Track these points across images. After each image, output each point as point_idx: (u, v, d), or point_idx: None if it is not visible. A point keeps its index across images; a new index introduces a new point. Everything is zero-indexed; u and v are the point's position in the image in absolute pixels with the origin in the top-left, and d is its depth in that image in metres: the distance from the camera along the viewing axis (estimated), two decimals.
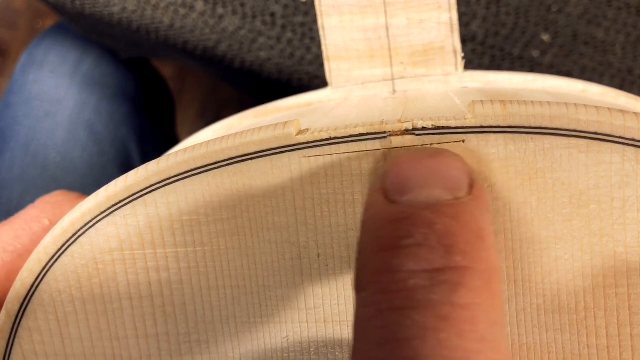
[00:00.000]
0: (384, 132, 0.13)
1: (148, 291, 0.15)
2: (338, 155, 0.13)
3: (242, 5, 0.34)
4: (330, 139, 0.13)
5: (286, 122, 0.13)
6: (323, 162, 0.13)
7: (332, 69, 0.18)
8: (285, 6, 0.34)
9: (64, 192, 0.22)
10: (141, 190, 0.14)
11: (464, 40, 0.34)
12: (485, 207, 0.12)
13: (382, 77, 0.18)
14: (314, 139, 0.13)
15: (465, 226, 0.11)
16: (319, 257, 0.14)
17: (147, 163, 0.14)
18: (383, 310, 0.10)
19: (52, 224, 0.20)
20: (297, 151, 0.13)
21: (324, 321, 0.15)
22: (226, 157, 0.14)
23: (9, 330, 0.15)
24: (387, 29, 0.17)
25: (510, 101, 0.12)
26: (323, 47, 0.18)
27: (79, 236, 0.15)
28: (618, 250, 0.13)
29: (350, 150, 0.13)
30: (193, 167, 0.14)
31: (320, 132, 0.13)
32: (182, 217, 0.14)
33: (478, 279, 0.10)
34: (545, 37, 0.34)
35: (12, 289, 0.15)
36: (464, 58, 0.17)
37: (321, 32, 0.18)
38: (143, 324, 0.15)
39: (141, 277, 0.15)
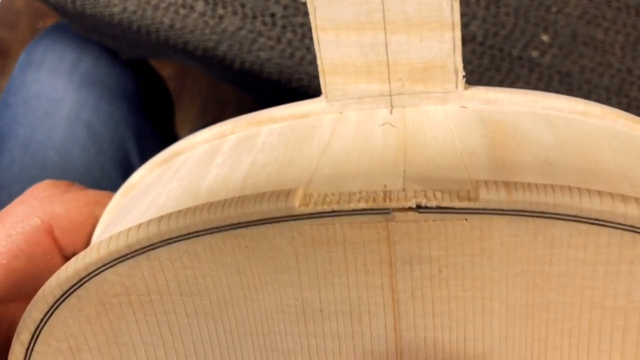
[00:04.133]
0: (388, 209, 0.13)
1: (157, 330, 0.16)
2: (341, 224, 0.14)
3: (243, 5, 0.34)
4: (333, 212, 0.13)
5: (288, 192, 0.14)
6: (325, 229, 0.14)
7: (327, 82, 0.17)
8: (285, 6, 0.34)
9: (52, 184, 0.22)
10: (143, 248, 0.15)
11: (463, 41, 0.34)
12: None
13: (380, 93, 0.17)
14: (316, 211, 0.13)
15: None
16: (321, 312, 0.15)
17: (149, 220, 0.14)
18: None
19: (43, 222, 0.20)
20: (299, 221, 0.14)
21: None
22: (227, 224, 0.14)
23: (22, 356, 0.16)
24: (386, 45, 0.17)
25: (515, 184, 0.13)
26: (318, 61, 0.17)
27: (84, 282, 0.15)
28: (607, 313, 0.14)
29: (353, 222, 0.13)
30: (194, 230, 0.14)
31: (322, 204, 0.13)
32: (185, 271, 0.15)
33: None
34: (545, 38, 0.34)
35: (21, 321, 0.16)
36: (464, 77, 0.17)
37: (316, 46, 0.17)
38: (154, 356, 0.16)
39: (149, 318, 0.16)
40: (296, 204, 0.13)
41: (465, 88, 0.17)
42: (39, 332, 0.16)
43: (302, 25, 0.34)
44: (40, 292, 0.16)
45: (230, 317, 0.15)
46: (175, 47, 0.36)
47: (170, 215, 0.14)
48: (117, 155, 0.43)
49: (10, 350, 0.16)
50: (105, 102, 0.44)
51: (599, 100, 0.34)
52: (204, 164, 0.18)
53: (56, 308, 0.16)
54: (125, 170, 0.43)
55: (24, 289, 0.20)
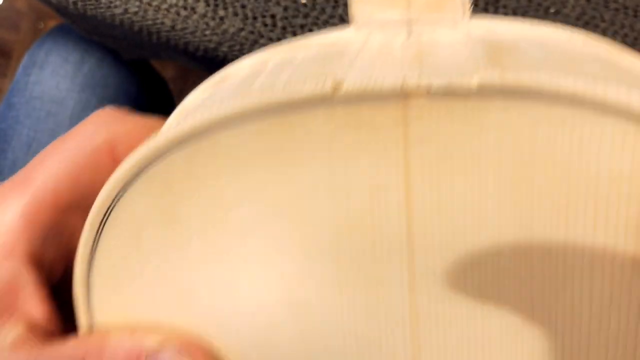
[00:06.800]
0: (405, 92, 0.16)
1: (212, 215, 0.17)
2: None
3: (243, 7, 0.35)
4: (362, 95, 0.16)
5: (325, 78, 0.16)
6: (355, 112, 0.16)
7: (355, 11, 0.21)
8: (286, 8, 0.34)
9: (114, 109, 0.24)
10: (205, 130, 0.16)
11: None
12: None
13: (400, 20, 0.21)
14: (347, 94, 0.16)
15: None
16: (345, 187, 0.17)
17: (210, 106, 0.16)
18: None
19: (106, 140, 0.22)
20: (334, 105, 0.16)
21: None
22: (274, 106, 0.16)
23: (93, 237, 0.18)
24: None
25: (507, 68, 0.15)
26: None
27: (151, 167, 0.17)
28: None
29: (377, 106, 0.16)
30: (249, 112, 0.16)
31: (352, 89, 0.16)
32: (239, 152, 0.17)
33: None
34: None
35: (94, 206, 0.18)
36: (470, 7, 0.20)
37: None
38: (207, 242, 0.18)
39: (202, 201, 0.17)
40: (330, 89, 0.16)
41: (471, 18, 0.20)
42: (109, 214, 0.18)
43: (302, 26, 0.34)
44: (112, 176, 0.17)
45: (274, 195, 0.17)
46: (176, 48, 0.36)
47: (227, 98, 0.16)
48: None
49: (82, 233, 0.18)
50: (107, 103, 0.45)
51: None
52: (250, 80, 0.20)
53: (126, 190, 0.17)
54: None
55: (83, 202, 0.21)
